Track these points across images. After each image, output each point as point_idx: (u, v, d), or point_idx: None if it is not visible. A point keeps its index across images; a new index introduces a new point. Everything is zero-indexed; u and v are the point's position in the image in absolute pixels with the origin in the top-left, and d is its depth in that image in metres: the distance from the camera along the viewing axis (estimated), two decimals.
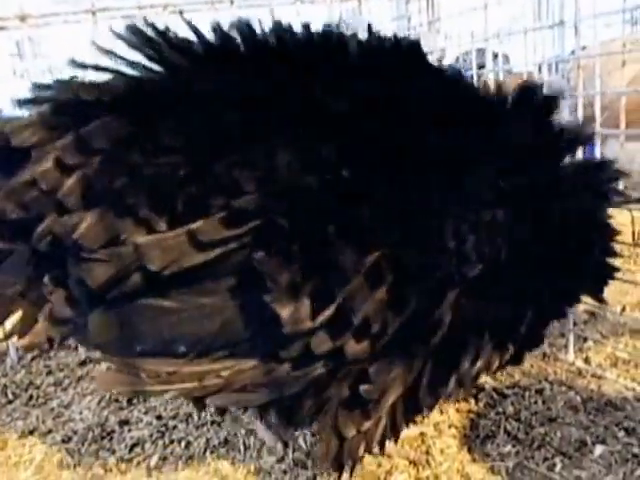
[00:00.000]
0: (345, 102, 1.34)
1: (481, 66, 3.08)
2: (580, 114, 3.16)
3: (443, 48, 3.33)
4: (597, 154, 3.42)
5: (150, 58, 1.45)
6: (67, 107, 1.41)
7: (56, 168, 1.35)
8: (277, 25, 1.44)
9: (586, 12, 2.41)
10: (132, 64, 1.45)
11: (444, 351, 1.37)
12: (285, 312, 1.26)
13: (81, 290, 1.35)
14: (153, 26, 1.44)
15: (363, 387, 1.36)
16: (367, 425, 1.44)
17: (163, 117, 1.35)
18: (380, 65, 1.44)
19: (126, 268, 1.30)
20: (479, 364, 1.45)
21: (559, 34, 2.38)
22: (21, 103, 1.46)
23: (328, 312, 1.26)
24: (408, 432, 1.93)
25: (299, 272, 1.26)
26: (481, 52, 3.33)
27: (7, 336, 1.57)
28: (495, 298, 1.37)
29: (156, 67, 1.45)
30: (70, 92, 1.41)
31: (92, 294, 1.33)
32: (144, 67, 1.45)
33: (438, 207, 1.31)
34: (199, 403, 1.44)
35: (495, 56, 3.44)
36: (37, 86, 1.48)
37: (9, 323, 1.55)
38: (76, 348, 2.82)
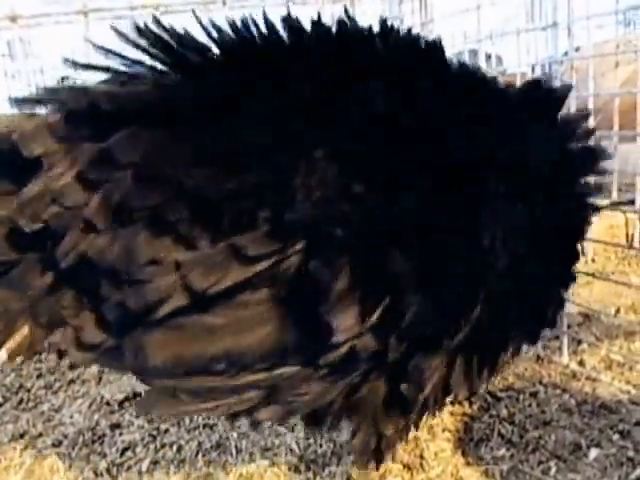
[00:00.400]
0: (390, 105, 1.33)
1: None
2: None
3: None
4: None
5: (164, 61, 1.41)
6: (82, 116, 1.33)
7: (78, 183, 1.28)
8: (295, 22, 1.42)
9: (579, 13, 2.40)
10: (137, 64, 1.42)
11: (475, 343, 1.39)
12: (338, 320, 1.23)
13: (119, 312, 1.27)
14: (162, 26, 1.42)
15: (403, 386, 1.37)
16: (405, 421, 1.50)
17: (196, 126, 1.29)
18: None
19: (168, 288, 1.24)
20: (506, 355, 1.52)
21: (552, 35, 2.37)
22: (21, 102, 1.40)
23: (375, 316, 1.24)
24: None
25: (351, 279, 1.23)
26: (474, 53, 3.32)
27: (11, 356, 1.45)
28: (517, 290, 1.40)
29: (171, 70, 1.41)
30: (85, 99, 1.33)
31: (131, 316, 1.26)
32: (158, 70, 1.41)
33: (472, 210, 1.31)
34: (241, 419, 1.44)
35: (488, 57, 3.44)
36: (44, 89, 1.43)
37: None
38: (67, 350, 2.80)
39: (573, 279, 1.60)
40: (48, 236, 1.29)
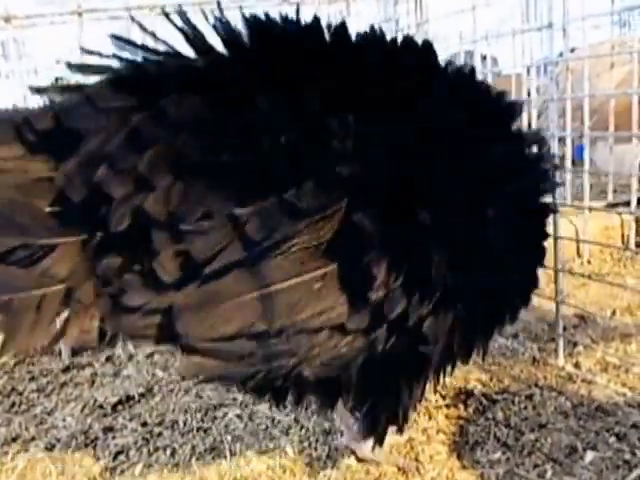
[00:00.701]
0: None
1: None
2: (569, 117, 3.16)
3: None
4: (586, 157, 3.42)
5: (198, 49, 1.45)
6: (128, 84, 1.37)
7: (130, 144, 1.30)
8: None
9: (574, 14, 2.40)
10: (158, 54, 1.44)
11: (471, 314, 1.51)
12: (378, 271, 1.31)
13: (172, 265, 1.28)
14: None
15: (422, 347, 1.46)
16: (420, 385, 1.62)
17: (243, 94, 1.35)
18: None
19: (223, 240, 1.27)
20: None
21: (547, 36, 2.36)
22: (76, 68, 1.42)
23: (403, 275, 1.34)
24: (396, 438, 1.91)
25: (389, 236, 1.32)
26: (469, 54, 3.32)
27: (55, 338, 1.42)
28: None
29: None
30: (131, 68, 1.40)
31: (185, 268, 1.28)
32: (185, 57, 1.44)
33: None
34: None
35: (483, 58, 3.44)
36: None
37: None
38: (59, 354, 2.79)
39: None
40: (96, 203, 1.29)
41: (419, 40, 1.59)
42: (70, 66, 1.42)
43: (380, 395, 1.61)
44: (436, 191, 1.39)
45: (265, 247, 1.27)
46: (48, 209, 1.31)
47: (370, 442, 1.84)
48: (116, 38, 1.46)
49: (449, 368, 1.70)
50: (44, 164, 1.32)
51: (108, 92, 1.36)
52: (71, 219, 1.32)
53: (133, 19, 1.51)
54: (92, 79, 1.41)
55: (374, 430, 1.70)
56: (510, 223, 1.51)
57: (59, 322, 1.36)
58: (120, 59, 1.42)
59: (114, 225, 1.28)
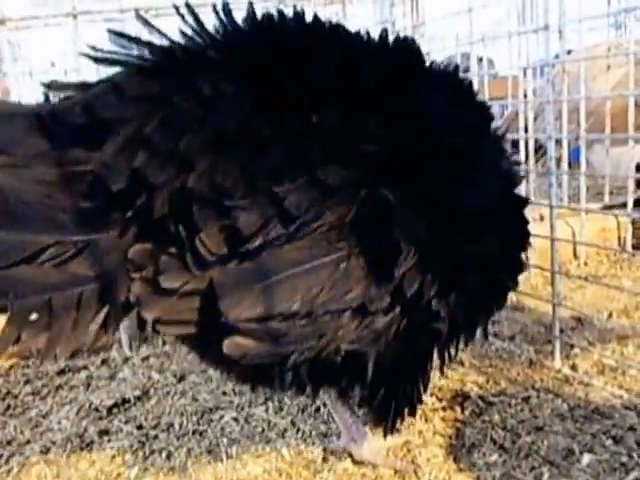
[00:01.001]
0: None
1: (466, 70, 3.06)
2: (565, 119, 3.16)
3: (428, 52, 3.31)
4: (583, 159, 3.42)
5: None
6: (156, 70, 1.40)
7: (167, 126, 1.31)
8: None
9: (571, 16, 2.40)
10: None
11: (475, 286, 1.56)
12: (402, 252, 1.37)
13: (215, 242, 1.29)
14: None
15: (437, 325, 1.51)
16: (431, 366, 1.71)
17: (273, 77, 1.39)
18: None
19: (266, 218, 1.30)
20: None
21: (544, 38, 2.36)
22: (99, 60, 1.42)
23: (419, 253, 1.40)
24: (393, 441, 1.91)
25: (409, 214, 1.38)
26: (466, 56, 3.32)
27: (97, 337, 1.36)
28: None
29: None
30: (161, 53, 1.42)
31: (229, 244, 1.30)
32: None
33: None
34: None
35: (480, 60, 3.43)
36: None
37: None
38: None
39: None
40: (135, 189, 1.29)
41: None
42: (94, 59, 1.42)
43: (395, 379, 1.64)
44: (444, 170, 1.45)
45: (300, 225, 1.30)
46: (83, 203, 1.29)
47: (367, 443, 1.86)
48: (116, 34, 1.44)
49: (455, 349, 1.72)
50: (77, 156, 1.30)
51: (136, 80, 1.37)
52: (106, 210, 1.30)
53: (141, 18, 1.50)
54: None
55: (385, 420, 1.73)
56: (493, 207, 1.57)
57: (98, 320, 1.32)
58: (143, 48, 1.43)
59: (157, 209, 1.29)
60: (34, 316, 1.26)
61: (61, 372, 2.66)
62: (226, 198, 1.29)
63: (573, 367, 2.30)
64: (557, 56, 2.39)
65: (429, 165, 1.43)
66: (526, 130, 3.53)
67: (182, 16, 1.46)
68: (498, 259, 1.60)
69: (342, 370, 1.51)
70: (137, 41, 1.43)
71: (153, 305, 1.31)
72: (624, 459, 1.78)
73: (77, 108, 1.32)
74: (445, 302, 1.49)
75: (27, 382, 2.60)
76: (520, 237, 1.69)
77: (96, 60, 1.42)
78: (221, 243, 1.29)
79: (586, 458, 1.80)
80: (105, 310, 1.31)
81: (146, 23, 1.48)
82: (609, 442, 1.86)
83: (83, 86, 1.41)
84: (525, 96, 3.52)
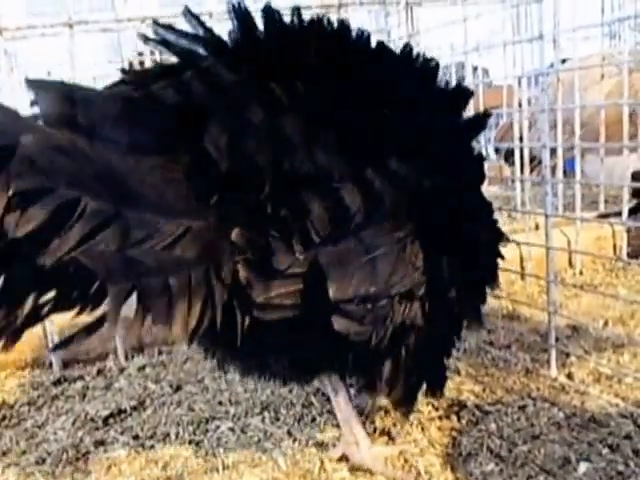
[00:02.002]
0: None
1: (461, 79, 3.07)
2: (560, 128, 3.16)
3: None
4: (577, 167, 3.43)
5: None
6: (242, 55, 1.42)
7: (263, 112, 1.35)
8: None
9: (565, 26, 2.41)
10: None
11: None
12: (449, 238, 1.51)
13: (322, 226, 1.34)
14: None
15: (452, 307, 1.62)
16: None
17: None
18: None
19: (364, 198, 1.38)
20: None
21: (538, 47, 2.37)
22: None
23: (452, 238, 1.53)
24: (390, 450, 1.91)
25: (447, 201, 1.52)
26: (461, 65, 3.33)
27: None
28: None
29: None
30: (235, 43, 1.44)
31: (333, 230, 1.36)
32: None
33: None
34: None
35: (475, 69, 3.44)
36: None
37: None
38: (50, 366, 2.78)
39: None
40: (241, 172, 1.32)
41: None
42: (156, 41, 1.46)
43: (424, 361, 1.71)
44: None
45: (385, 210, 1.41)
46: (189, 186, 1.30)
47: (368, 449, 1.87)
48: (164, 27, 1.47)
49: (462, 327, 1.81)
50: (180, 139, 1.31)
51: (223, 67, 1.39)
52: (212, 193, 1.32)
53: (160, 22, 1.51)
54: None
55: (410, 398, 1.79)
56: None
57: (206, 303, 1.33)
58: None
59: (263, 192, 1.32)
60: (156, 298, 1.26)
61: (57, 382, 2.65)
62: (329, 180, 1.36)
63: (569, 375, 2.31)
64: (552, 65, 2.40)
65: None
66: (521, 139, 3.55)
67: (200, 22, 1.47)
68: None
69: (384, 353, 1.60)
70: (186, 35, 1.46)
71: (262, 288, 1.34)
72: (620, 467, 1.78)
73: (170, 94, 1.33)
74: (457, 286, 1.59)
75: (23, 392, 2.59)
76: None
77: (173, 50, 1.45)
78: (327, 224, 1.34)
79: (582, 467, 1.80)
80: (212, 293, 1.32)
81: (166, 27, 1.47)
82: (605, 450, 1.86)
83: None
84: (520, 105, 3.53)
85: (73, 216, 1.15)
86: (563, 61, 2.89)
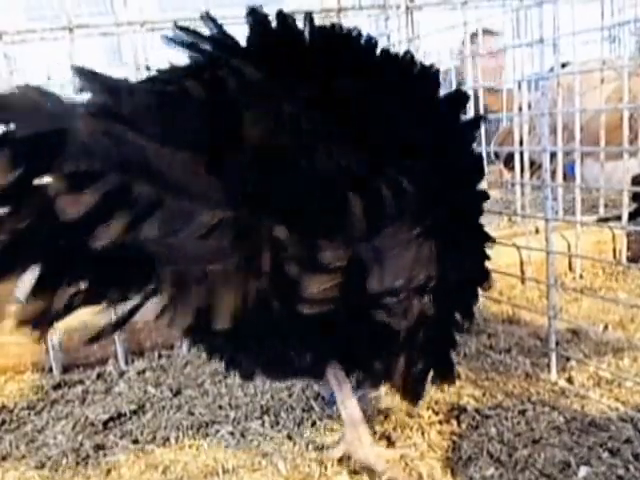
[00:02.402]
0: None
1: (460, 83, 3.08)
2: (560, 132, 3.16)
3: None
4: (577, 171, 3.43)
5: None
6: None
7: (305, 105, 1.38)
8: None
9: (565, 29, 2.41)
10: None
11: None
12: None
13: (361, 224, 1.38)
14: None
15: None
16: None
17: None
18: None
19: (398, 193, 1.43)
20: None
21: (538, 51, 2.37)
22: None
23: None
24: (391, 454, 1.91)
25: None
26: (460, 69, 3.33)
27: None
28: None
29: None
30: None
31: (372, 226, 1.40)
32: None
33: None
34: None
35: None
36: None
37: None
38: (50, 370, 2.77)
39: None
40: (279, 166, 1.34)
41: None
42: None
43: (434, 350, 1.76)
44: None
45: (409, 208, 1.45)
46: (228, 177, 1.31)
47: (371, 448, 1.87)
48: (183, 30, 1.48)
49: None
50: (213, 134, 1.32)
51: (252, 66, 1.39)
52: (247, 187, 1.34)
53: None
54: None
55: (421, 387, 1.81)
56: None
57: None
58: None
59: (302, 186, 1.35)
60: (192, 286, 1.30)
61: (57, 386, 2.65)
62: (365, 177, 1.39)
63: (569, 380, 2.30)
64: (552, 69, 2.40)
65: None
66: (521, 143, 3.55)
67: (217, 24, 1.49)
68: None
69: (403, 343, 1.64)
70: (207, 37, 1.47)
71: (308, 282, 1.37)
72: (621, 471, 1.78)
73: (205, 89, 1.33)
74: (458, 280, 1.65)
75: (22, 396, 2.59)
76: None
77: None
78: (365, 220, 1.38)
79: (583, 471, 1.80)
80: (247, 285, 1.34)
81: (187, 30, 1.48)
82: (606, 455, 1.86)
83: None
84: (520, 109, 3.53)
85: (123, 201, 1.18)
86: (563, 65, 2.89)
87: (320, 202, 1.36)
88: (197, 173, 1.27)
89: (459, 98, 1.72)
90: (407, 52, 1.67)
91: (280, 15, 1.44)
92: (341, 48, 1.53)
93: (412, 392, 1.81)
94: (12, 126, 1.19)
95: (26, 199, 1.20)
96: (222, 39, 1.47)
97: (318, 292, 1.38)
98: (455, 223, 1.60)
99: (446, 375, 1.86)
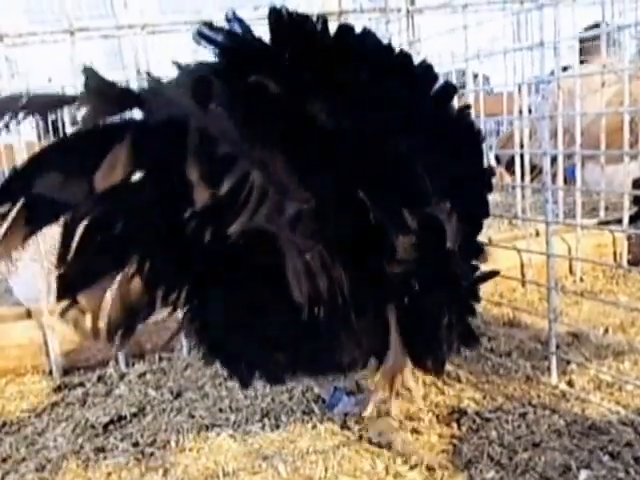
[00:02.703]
0: None
1: (461, 87, 3.08)
2: (560, 135, 3.17)
3: None
4: (578, 175, 3.43)
5: None
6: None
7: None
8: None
9: (566, 33, 2.41)
10: None
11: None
12: None
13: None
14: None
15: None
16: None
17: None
18: None
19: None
20: None
21: (539, 55, 2.37)
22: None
23: None
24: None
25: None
26: (461, 73, 3.33)
27: None
28: None
29: None
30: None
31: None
32: None
33: None
34: None
35: (475, 77, 3.44)
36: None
37: None
38: (50, 373, 2.77)
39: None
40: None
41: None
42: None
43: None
44: None
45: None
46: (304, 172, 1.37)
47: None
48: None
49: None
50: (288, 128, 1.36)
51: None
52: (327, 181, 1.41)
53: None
54: None
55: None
56: None
57: None
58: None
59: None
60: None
61: (57, 389, 2.65)
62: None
63: (570, 383, 2.30)
64: (552, 73, 2.40)
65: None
66: (521, 146, 3.55)
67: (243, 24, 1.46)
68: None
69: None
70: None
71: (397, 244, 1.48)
72: (621, 475, 1.77)
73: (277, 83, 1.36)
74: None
75: (22, 399, 2.59)
76: None
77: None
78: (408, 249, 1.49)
79: (583, 474, 1.79)
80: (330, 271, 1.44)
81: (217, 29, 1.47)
82: (606, 458, 1.86)
83: None
84: (520, 112, 3.54)
85: (247, 189, 1.20)
86: (564, 69, 2.89)
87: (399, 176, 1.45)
88: (282, 167, 1.33)
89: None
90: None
91: (301, 16, 1.44)
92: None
93: (442, 363, 1.85)
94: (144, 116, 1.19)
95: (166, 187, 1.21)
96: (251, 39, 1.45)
97: (405, 252, 1.47)
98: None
99: (472, 341, 1.87)
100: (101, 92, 1.13)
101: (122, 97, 1.16)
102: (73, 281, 1.34)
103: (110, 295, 1.35)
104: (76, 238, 1.28)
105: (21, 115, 1.14)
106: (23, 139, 2.71)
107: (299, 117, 1.37)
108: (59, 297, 1.36)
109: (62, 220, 1.25)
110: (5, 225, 1.15)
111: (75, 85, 2.67)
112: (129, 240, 1.32)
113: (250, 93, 1.35)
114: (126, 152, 1.10)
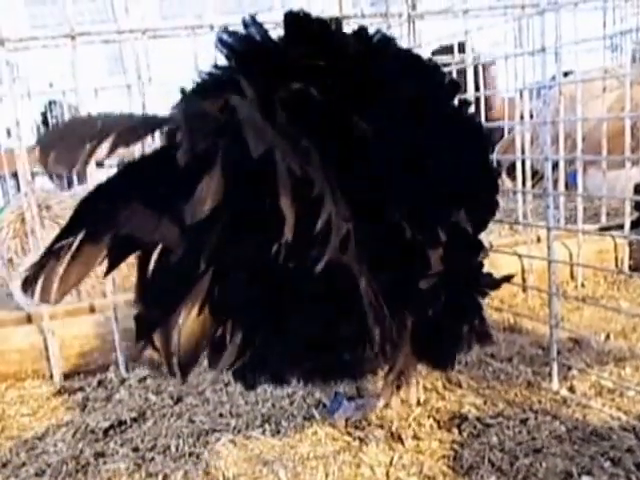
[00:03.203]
0: None
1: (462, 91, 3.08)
2: (562, 140, 3.17)
3: None
4: (579, 180, 3.43)
5: None
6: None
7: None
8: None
9: (567, 38, 2.41)
10: None
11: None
12: None
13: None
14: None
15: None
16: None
17: None
18: None
19: None
20: None
21: (540, 60, 2.37)
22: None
23: None
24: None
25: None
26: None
27: None
28: None
29: None
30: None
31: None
32: None
33: None
34: None
35: None
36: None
37: None
38: (51, 377, 2.77)
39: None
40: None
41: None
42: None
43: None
44: None
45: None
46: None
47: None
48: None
49: None
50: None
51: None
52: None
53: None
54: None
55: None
56: None
57: None
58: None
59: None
60: None
61: (57, 393, 2.65)
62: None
63: (571, 389, 2.30)
64: (554, 78, 2.40)
65: None
66: (522, 151, 3.55)
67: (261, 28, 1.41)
68: None
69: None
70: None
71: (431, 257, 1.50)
72: None
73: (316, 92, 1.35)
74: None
75: (22, 403, 2.58)
76: None
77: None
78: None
79: None
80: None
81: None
82: (607, 464, 1.85)
83: None
84: (522, 117, 3.54)
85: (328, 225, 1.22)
86: (565, 74, 2.89)
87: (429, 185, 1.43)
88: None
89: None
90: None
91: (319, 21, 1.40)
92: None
93: (453, 359, 1.84)
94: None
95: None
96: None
97: (437, 264, 1.47)
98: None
99: (484, 336, 1.85)
100: (197, 117, 1.10)
101: (216, 124, 1.11)
102: (150, 320, 1.32)
103: (184, 332, 1.34)
104: (156, 276, 1.27)
105: (105, 147, 1.01)
106: (24, 144, 2.71)
107: (348, 134, 1.35)
108: (138, 338, 1.34)
109: (139, 257, 1.25)
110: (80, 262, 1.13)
111: (76, 90, 2.68)
112: (209, 273, 1.28)
113: (304, 109, 1.32)
114: (216, 184, 1.06)
